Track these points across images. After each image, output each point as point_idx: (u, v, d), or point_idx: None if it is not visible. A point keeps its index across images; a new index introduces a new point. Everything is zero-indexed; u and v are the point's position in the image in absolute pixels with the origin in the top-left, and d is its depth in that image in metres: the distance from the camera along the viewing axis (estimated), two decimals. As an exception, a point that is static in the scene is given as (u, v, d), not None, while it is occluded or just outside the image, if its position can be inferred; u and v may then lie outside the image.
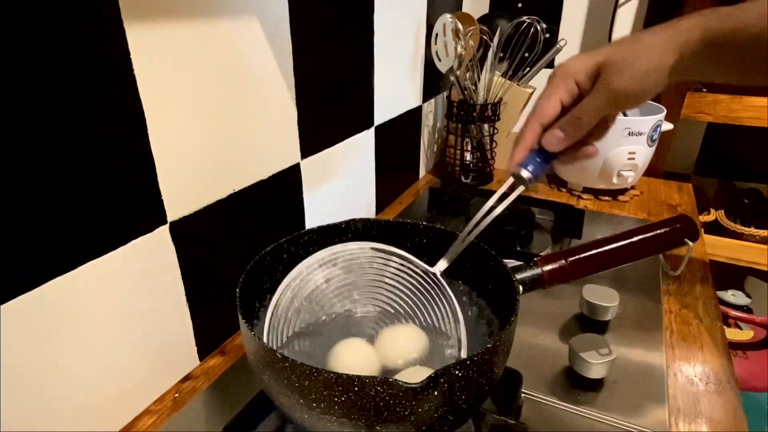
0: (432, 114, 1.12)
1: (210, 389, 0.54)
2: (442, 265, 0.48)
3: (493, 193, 0.45)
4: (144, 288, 0.48)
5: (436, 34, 0.94)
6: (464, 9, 1.16)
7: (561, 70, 0.43)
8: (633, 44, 0.41)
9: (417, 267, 0.50)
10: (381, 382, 0.33)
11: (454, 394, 0.36)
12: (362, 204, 0.89)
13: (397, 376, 0.42)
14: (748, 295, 1.35)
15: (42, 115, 0.36)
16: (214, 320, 0.59)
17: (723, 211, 1.27)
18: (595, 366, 0.52)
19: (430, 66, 1.00)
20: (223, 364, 0.58)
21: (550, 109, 0.43)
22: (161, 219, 0.49)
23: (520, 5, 1.25)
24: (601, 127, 0.44)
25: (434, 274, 0.48)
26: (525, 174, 0.44)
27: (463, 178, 1.07)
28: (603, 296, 0.62)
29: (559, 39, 1.03)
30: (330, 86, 0.71)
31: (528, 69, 1.01)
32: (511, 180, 0.45)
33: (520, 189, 0.45)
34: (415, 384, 0.33)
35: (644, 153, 0.95)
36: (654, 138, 0.95)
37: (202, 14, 0.48)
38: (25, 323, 0.38)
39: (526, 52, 0.97)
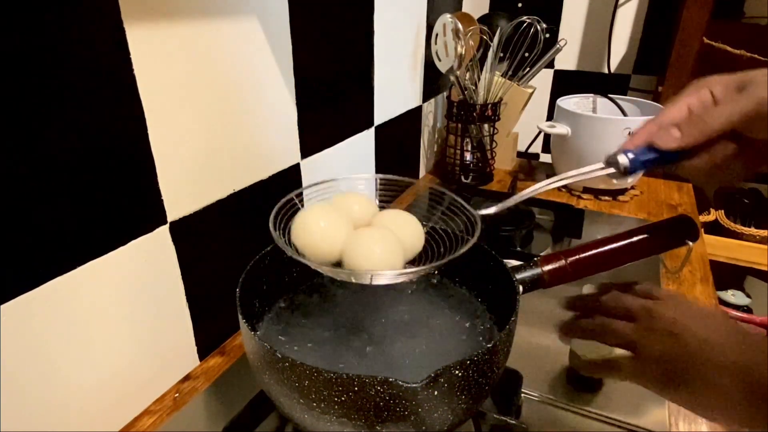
0: (432, 114, 1.12)
1: (210, 389, 0.54)
2: (487, 210, 0.45)
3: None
4: (144, 288, 0.48)
5: (436, 34, 0.94)
6: (464, 9, 1.16)
7: (697, 81, 0.40)
8: None
9: (464, 206, 0.46)
10: (381, 382, 0.33)
11: (454, 394, 0.36)
12: (362, 204, 0.89)
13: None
14: (748, 295, 1.34)
15: (42, 115, 0.36)
16: (214, 320, 0.59)
17: (723, 211, 1.27)
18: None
19: (430, 66, 1.00)
20: (223, 364, 0.58)
21: (674, 111, 0.40)
22: (161, 219, 0.49)
23: (520, 5, 1.25)
24: (734, 162, 0.39)
25: (473, 216, 0.45)
26: (622, 159, 0.41)
27: (463, 178, 1.07)
28: (603, 296, 0.62)
29: (559, 39, 1.03)
30: (330, 86, 0.71)
31: (528, 69, 1.01)
32: (600, 165, 0.42)
33: (609, 171, 0.42)
34: (415, 384, 0.33)
35: (644, 153, 0.95)
36: (654, 138, 0.95)
37: (202, 14, 0.48)
38: (25, 323, 0.38)
39: (526, 52, 0.97)
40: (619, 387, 0.54)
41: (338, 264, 0.42)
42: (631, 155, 0.41)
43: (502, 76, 1.00)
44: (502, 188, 1.06)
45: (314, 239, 0.41)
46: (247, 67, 0.55)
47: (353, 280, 0.41)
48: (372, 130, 0.86)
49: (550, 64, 1.29)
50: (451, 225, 0.47)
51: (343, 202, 0.46)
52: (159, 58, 0.45)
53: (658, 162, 0.41)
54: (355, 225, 0.44)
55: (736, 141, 0.38)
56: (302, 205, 0.46)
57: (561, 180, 0.44)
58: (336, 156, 0.76)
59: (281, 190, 0.65)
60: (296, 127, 0.65)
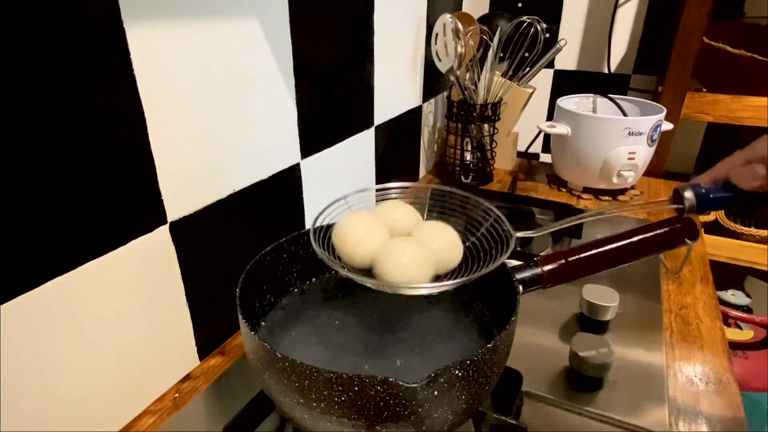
0: (432, 114, 1.12)
1: (210, 389, 0.54)
2: (523, 233, 0.45)
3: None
4: (144, 288, 0.48)
5: (436, 34, 0.94)
6: (464, 9, 1.16)
7: None
8: None
9: (502, 223, 0.46)
10: (381, 382, 0.33)
11: (454, 394, 0.36)
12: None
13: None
14: (748, 295, 1.34)
15: (42, 115, 0.36)
16: (214, 320, 0.59)
17: (723, 211, 1.27)
18: (595, 366, 0.52)
19: (430, 66, 1.00)
20: (223, 364, 0.58)
21: (764, 145, 0.35)
22: (161, 219, 0.49)
23: (520, 5, 1.25)
24: None
25: (511, 235, 0.45)
26: (688, 194, 0.37)
27: (463, 178, 1.07)
28: (603, 296, 0.62)
29: (559, 39, 1.03)
30: (330, 86, 0.71)
31: (528, 69, 1.01)
32: (664, 198, 0.38)
33: (674, 206, 0.38)
34: (415, 384, 0.33)
35: (644, 153, 0.95)
36: (654, 138, 0.95)
37: (202, 14, 0.48)
38: (25, 323, 0.38)
39: (526, 52, 0.97)
40: (619, 387, 0.54)
41: (369, 271, 0.43)
42: (702, 190, 0.36)
43: (502, 76, 1.00)
44: (502, 188, 1.06)
45: (347, 246, 0.43)
46: (247, 67, 0.55)
47: (383, 290, 0.42)
48: (372, 130, 0.86)
49: (550, 64, 1.29)
50: (484, 239, 0.48)
51: (388, 210, 0.48)
52: (159, 58, 0.45)
53: (732, 201, 0.37)
54: (395, 234, 0.45)
55: None
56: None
57: (616, 211, 0.41)
58: (336, 156, 0.76)
59: (281, 190, 0.66)
60: (296, 127, 0.65)
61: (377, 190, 0.51)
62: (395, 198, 0.51)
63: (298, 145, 0.67)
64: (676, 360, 0.58)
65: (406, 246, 0.43)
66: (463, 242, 0.47)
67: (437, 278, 0.44)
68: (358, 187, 0.86)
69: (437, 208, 0.52)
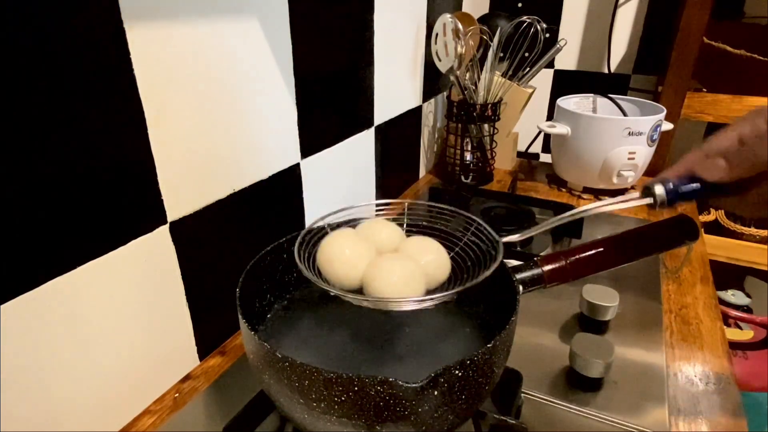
0: (432, 114, 1.12)
1: (210, 389, 0.54)
2: (511, 237, 0.46)
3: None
4: (144, 288, 0.48)
5: (436, 34, 0.94)
6: (464, 9, 1.16)
7: (754, 110, 0.37)
8: None
9: (488, 231, 0.46)
10: (381, 382, 0.33)
11: (454, 394, 0.36)
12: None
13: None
14: (748, 295, 1.35)
15: (42, 115, 0.36)
16: (214, 320, 0.59)
17: (723, 211, 1.27)
18: (595, 366, 0.52)
19: (430, 66, 1.00)
20: (223, 364, 0.58)
21: (722, 140, 0.37)
22: (161, 219, 0.49)
23: (520, 5, 1.25)
24: None
25: (497, 242, 0.45)
26: (658, 189, 0.39)
27: (463, 178, 1.07)
28: (603, 296, 0.62)
29: (559, 39, 1.03)
30: (330, 86, 0.71)
31: (528, 69, 1.01)
32: (636, 194, 0.40)
33: (645, 201, 0.40)
34: (415, 384, 0.33)
35: (644, 153, 0.95)
36: (654, 138, 0.95)
37: (202, 14, 0.48)
38: (25, 323, 0.38)
39: (526, 52, 0.97)
40: (619, 387, 0.54)
41: (360, 290, 0.43)
42: (670, 185, 0.38)
43: (502, 76, 1.00)
44: (502, 188, 1.07)
45: (335, 267, 0.43)
46: (247, 67, 0.55)
47: (378, 307, 0.42)
48: (372, 130, 0.86)
49: (550, 64, 1.29)
50: (470, 249, 0.48)
51: (371, 228, 0.47)
52: (159, 58, 0.45)
53: (699, 194, 0.38)
54: (381, 251, 0.45)
55: None
56: (329, 230, 0.47)
57: (592, 209, 0.42)
58: (336, 156, 0.76)
59: (281, 190, 0.66)
60: (296, 127, 0.65)
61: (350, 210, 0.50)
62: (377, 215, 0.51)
63: (298, 145, 0.67)
64: (676, 360, 0.58)
65: (395, 263, 0.42)
66: (450, 254, 0.46)
67: (428, 292, 0.44)
68: (358, 187, 0.86)
69: (418, 222, 0.52)
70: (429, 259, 0.44)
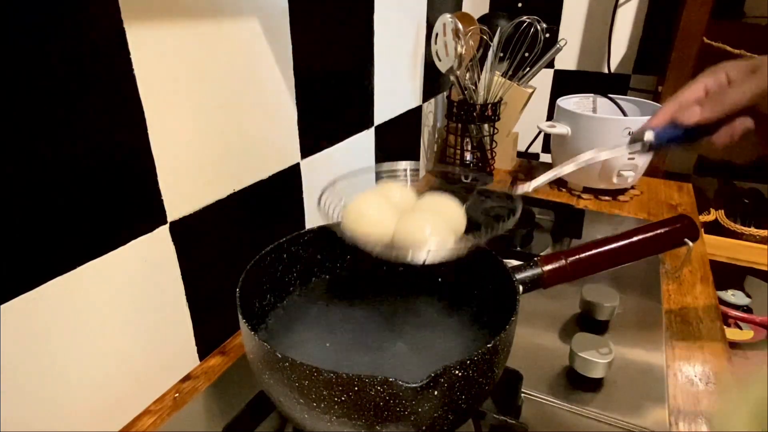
0: (432, 114, 1.12)
1: (210, 389, 0.54)
2: (523, 188, 0.48)
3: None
4: (144, 288, 0.48)
5: (436, 34, 0.94)
6: (464, 9, 1.16)
7: (713, 67, 0.45)
8: None
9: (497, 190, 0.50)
10: (381, 382, 0.33)
11: (454, 394, 0.36)
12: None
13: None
14: (748, 295, 1.35)
15: (42, 114, 0.36)
16: (214, 320, 0.59)
17: (723, 211, 1.27)
18: (595, 366, 0.52)
19: (430, 66, 1.00)
20: (223, 364, 0.58)
21: (692, 92, 0.44)
22: (161, 219, 0.49)
23: (520, 5, 1.25)
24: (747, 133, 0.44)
25: (510, 196, 0.47)
26: (648, 135, 0.44)
27: (463, 178, 1.07)
28: (603, 296, 0.62)
29: (559, 39, 1.03)
30: (330, 86, 0.71)
31: (528, 69, 1.00)
32: (623, 147, 0.45)
33: (634, 149, 0.45)
34: (415, 384, 0.33)
35: (644, 153, 0.95)
36: (654, 138, 0.95)
37: (202, 14, 0.48)
38: (25, 323, 0.38)
39: (526, 52, 0.97)
40: (619, 387, 0.54)
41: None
42: (657, 131, 0.44)
43: (502, 76, 1.00)
44: (502, 188, 1.06)
45: (370, 223, 0.44)
46: (247, 67, 0.55)
47: (409, 260, 0.42)
48: (372, 130, 0.86)
49: (550, 64, 1.29)
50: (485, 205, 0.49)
51: (385, 190, 0.48)
52: (159, 58, 0.45)
53: (680, 139, 0.44)
54: (398, 212, 0.45)
55: (753, 117, 0.43)
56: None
57: (587, 161, 0.47)
58: (336, 156, 0.76)
59: (281, 190, 0.66)
60: (296, 127, 0.65)
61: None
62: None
63: (298, 145, 0.67)
64: (676, 360, 0.58)
65: (426, 215, 0.44)
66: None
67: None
68: (358, 186, 0.86)
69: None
70: (450, 213, 0.45)
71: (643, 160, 0.96)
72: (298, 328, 0.52)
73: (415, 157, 1.09)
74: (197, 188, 0.52)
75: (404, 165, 0.55)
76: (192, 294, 0.54)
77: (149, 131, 0.45)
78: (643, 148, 0.45)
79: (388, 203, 0.46)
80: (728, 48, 1.03)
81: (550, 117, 1.22)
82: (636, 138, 0.45)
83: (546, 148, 1.35)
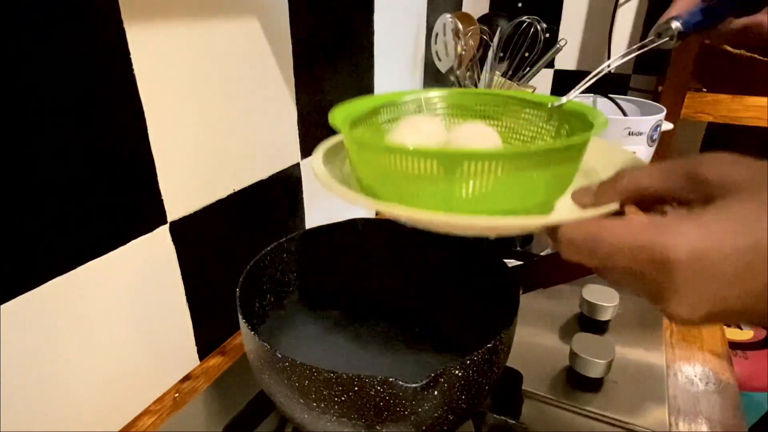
0: (432, 114, 1.12)
1: (210, 389, 0.54)
2: (562, 99, 0.44)
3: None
4: (144, 288, 0.48)
5: (436, 34, 0.94)
6: (464, 9, 1.16)
7: None
8: None
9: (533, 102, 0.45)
10: (381, 382, 0.33)
11: (454, 394, 0.36)
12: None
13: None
14: (748, 295, 1.34)
15: (42, 115, 0.36)
16: (214, 320, 0.59)
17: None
18: (595, 366, 0.52)
19: (430, 66, 1.00)
20: (223, 364, 0.58)
21: None
22: (161, 219, 0.49)
23: (520, 5, 1.25)
24: None
25: (551, 104, 0.44)
26: (675, 24, 0.42)
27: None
28: (603, 296, 0.62)
29: (559, 39, 1.03)
30: (330, 86, 0.71)
31: (528, 69, 1.00)
32: (649, 39, 0.43)
33: (663, 41, 0.43)
34: (415, 384, 0.33)
35: (644, 153, 0.95)
36: (654, 138, 0.95)
37: (202, 14, 0.48)
38: (25, 323, 0.38)
39: (526, 52, 0.97)
40: (619, 387, 0.54)
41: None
42: (682, 19, 0.42)
43: (502, 76, 1.00)
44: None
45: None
46: (247, 67, 0.55)
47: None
48: (372, 130, 0.86)
49: (550, 64, 1.29)
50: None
51: (416, 120, 0.45)
52: (159, 58, 0.45)
53: (704, 24, 0.42)
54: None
55: None
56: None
57: (617, 61, 0.44)
58: (336, 156, 0.76)
59: (281, 190, 0.66)
60: (296, 127, 0.65)
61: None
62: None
63: (298, 145, 0.67)
64: (676, 360, 0.58)
65: (476, 130, 0.41)
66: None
67: None
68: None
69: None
70: (489, 135, 0.43)
71: (646, 155, 0.95)
72: (298, 328, 0.52)
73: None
74: (197, 188, 0.52)
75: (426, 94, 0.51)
76: (192, 294, 0.54)
77: (149, 131, 0.45)
78: (672, 39, 0.42)
79: (424, 134, 0.43)
80: (728, 48, 1.03)
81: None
82: (660, 31, 0.42)
83: (546, 148, 1.35)
